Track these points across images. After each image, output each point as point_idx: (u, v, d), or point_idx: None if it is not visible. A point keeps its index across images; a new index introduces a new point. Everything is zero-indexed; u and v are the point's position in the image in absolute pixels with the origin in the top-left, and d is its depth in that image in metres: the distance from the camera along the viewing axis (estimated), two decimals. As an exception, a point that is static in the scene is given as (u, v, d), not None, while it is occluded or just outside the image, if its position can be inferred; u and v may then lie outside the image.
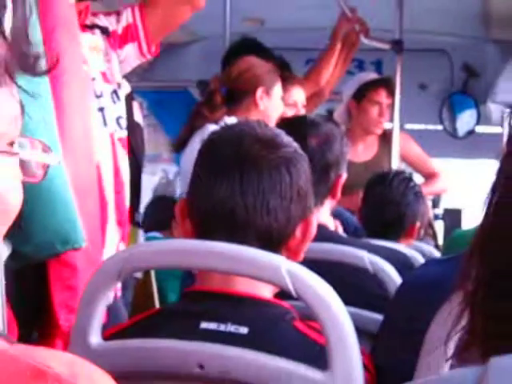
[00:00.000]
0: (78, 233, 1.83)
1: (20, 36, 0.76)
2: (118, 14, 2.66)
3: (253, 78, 3.35)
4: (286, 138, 1.63)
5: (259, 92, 3.31)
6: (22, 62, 0.76)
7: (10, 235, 1.75)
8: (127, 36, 2.64)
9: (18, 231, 1.75)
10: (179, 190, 3.58)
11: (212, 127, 3.21)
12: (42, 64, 0.80)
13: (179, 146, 3.55)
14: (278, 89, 3.38)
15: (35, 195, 1.74)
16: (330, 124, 2.51)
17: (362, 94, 4.55)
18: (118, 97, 2.54)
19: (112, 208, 2.46)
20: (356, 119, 4.58)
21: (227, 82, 3.44)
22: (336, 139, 2.42)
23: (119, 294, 2.68)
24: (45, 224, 1.79)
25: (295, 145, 1.64)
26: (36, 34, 1.62)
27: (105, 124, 2.53)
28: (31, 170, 0.81)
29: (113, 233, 2.46)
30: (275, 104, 3.34)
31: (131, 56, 2.69)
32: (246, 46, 4.12)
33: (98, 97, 2.50)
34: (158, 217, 4.12)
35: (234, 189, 1.55)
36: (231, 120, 3.17)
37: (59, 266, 1.87)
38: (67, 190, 1.81)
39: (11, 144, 0.76)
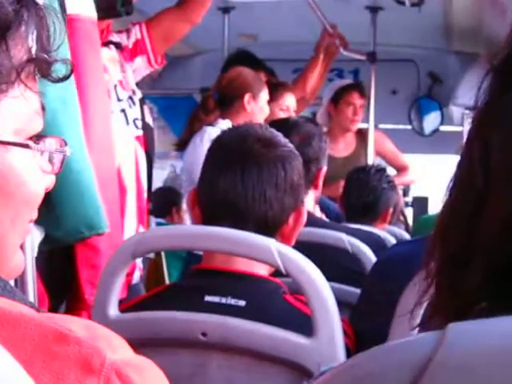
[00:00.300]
0: (101, 220, 1.83)
1: (40, 45, 0.76)
2: (128, 31, 2.67)
3: (241, 84, 3.34)
4: (284, 139, 1.64)
5: (247, 97, 3.30)
6: (40, 68, 0.76)
7: (43, 222, 1.78)
8: (137, 50, 2.65)
9: (51, 218, 1.77)
10: (184, 182, 3.56)
11: (209, 129, 3.23)
12: (59, 71, 0.79)
13: (181, 146, 3.56)
14: (264, 94, 3.37)
15: (66, 187, 1.75)
16: (309, 124, 2.52)
17: (339, 97, 4.58)
18: (133, 102, 2.54)
19: (132, 196, 2.45)
20: (335, 119, 4.60)
21: (220, 89, 3.44)
22: (315, 137, 2.42)
23: (141, 274, 2.69)
24: (74, 212, 1.79)
25: (291, 145, 1.65)
26: (62, 46, 1.62)
27: (127, 123, 2.53)
28: (52, 161, 0.81)
29: (132, 218, 2.45)
30: (261, 107, 3.34)
31: (141, 67, 2.69)
32: (242, 57, 4.11)
33: (119, 100, 2.50)
34: (159, 205, 4.11)
35: (236, 181, 1.56)
36: (225, 122, 3.18)
37: (85, 248, 1.87)
38: (93, 182, 1.82)
39: (30, 138, 0.76)
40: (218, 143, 1.66)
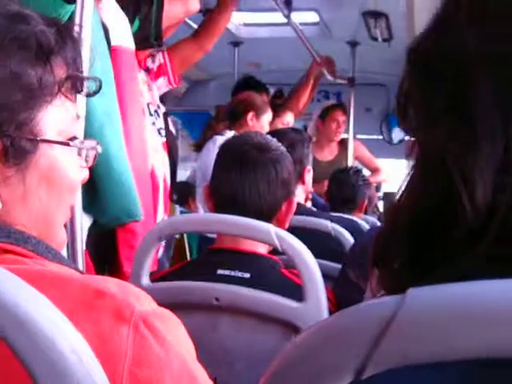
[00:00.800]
0: (137, 209, 1.83)
1: (75, 66, 0.76)
2: (153, 56, 2.67)
3: (246, 105, 3.33)
4: (276, 145, 1.63)
5: (250, 115, 3.29)
6: (75, 83, 0.76)
7: (92, 211, 1.78)
8: (160, 72, 2.65)
9: (98, 208, 1.77)
10: (198, 179, 3.58)
11: (219, 137, 3.23)
12: (91, 87, 0.80)
13: (197, 148, 3.56)
14: (266, 116, 3.37)
15: (110, 184, 1.75)
16: (294, 133, 2.49)
17: (325, 114, 4.57)
18: (158, 114, 2.53)
19: (161, 191, 2.45)
20: (322, 132, 4.59)
21: (231, 106, 3.44)
22: (298, 143, 2.41)
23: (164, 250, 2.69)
24: (115, 204, 1.79)
25: (282, 149, 1.64)
26: (100, 66, 1.61)
27: (159, 133, 2.53)
28: (87, 159, 0.81)
29: (161, 208, 2.45)
30: (262, 126, 3.31)
31: (163, 85, 2.69)
32: (248, 82, 4.12)
33: (151, 115, 2.50)
34: (180, 196, 4.14)
35: (236, 179, 1.56)
36: (231, 132, 3.18)
37: (124, 231, 1.87)
38: (131, 180, 1.82)
39: (70, 139, 0.76)
40: (223, 149, 1.66)
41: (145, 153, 2.07)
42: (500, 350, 0.36)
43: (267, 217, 1.53)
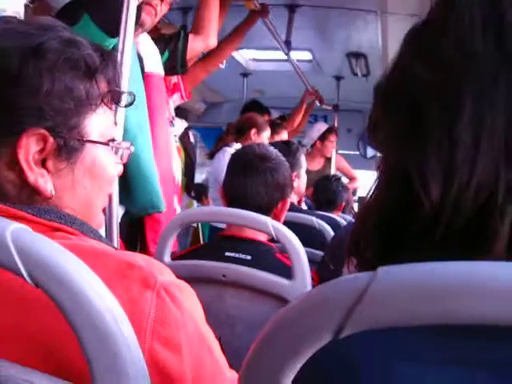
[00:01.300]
0: (161, 202, 1.83)
1: (114, 82, 0.76)
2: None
3: (250, 123, 3.32)
4: (275, 155, 1.62)
5: (253, 131, 3.26)
6: (114, 96, 0.76)
7: (124, 202, 1.77)
8: (175, 89, 2.64)
9: (129, 200, 1.77)
10: (210, 182, 3.58)
11: (228, 148, 3.22)
12: (127, 100, 0.80)
13: (210, 156, 3.56)
14: (266, 133, 3.34)
15: (139, 181, 1.75)
16: (282, 145, 2.43)
17: (324, 136, 4.53)
18: (173, 124, 2.52)
19: (178, 189, 2.45)
20: (319, 149, 4.55)
21: (238, 123, 3.43)
22: (285, 154, 2.39)
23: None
24: (144, 197, 1.79)
25: (281, 159, 1.63)
26: (134, 83, 1.61)
27: (175, 140, 2.53)
28: (122, 157, 0.81)
29: (176, 200, 2.45)
30: (262, 140, 3.27)
31: (177, 100, 2.68)
32: (253, 105, 4.11)
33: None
34: (196, 194, 4.14)
35: (241, 183, 1.56)
36: (237, 144, 3.16)
37: (151, 219, 1.86)
38: (156, 179, 1.81)
39: (109, 140, 0.76)
40: (233, 158, 1.66)
41: (169, 157, 2.07)
42: (451, 318, 0.36)
43: (265, 212, 1.52)
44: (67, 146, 0.70)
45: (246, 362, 0.43)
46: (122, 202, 1.74)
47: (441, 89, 0.46)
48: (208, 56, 2.84)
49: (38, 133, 0.68)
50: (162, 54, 2.10)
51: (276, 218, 1.57)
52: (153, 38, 1.99)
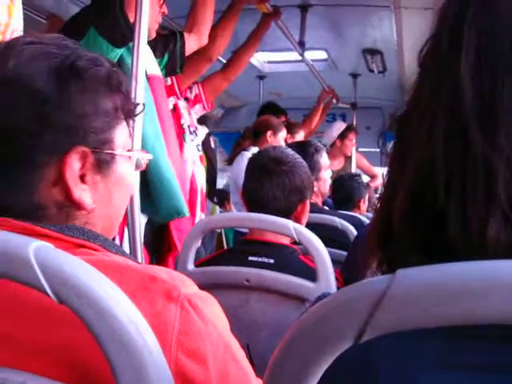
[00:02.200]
0: (184, 207, 1.83)
1: (129, 96, 0.78)
2: (190, 88, 2.68)
3: (266, 125, 3.32)
4: (291, 157, 1.61)
5: (268, 133, 3.26)
6: (129, 111, 0.78)
7: (147, 211, 1.78)
8: (196, 100, 2.66)
9: (152, 209, 1.78)
10: (231, 187, 3.59)
11: (245, 152, 3.23)
12: (138, 111, 0.81)
13: (229, 162, 3.56)
14: (282, 134, 3.33)
15: (161, 190, 1.76)
16: (297, 147, 2.43)
17: (344, 135, 4.54)
18: (196, 134, 2.53)
19: (199, 194, 2.45)
20: (339, 148, 4.55)
21: (254, 127, 3.43)
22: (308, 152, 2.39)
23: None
24: (168, 202, 1.79)
25: (298, 161, 1.61)
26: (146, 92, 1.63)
27: (198, 150, 2.54)
28: (139, 165, 0.83)
29: (199, 207, 2.46)
30: (278, 141, 3.27)
31: (199, 110, 2.70)
32: (270, 107, 4.11)
33: (190, 134, 2.50)
34: (219, 200, 4.16)
35: (258, 187, 1.57)
36: (255, 148, 3.16)
37: (176, 221, 1.88)
38: (177, 184, 1.82)
39: (129, 151, 0.78)
40: (250, 162, 1.66)
41: (178, 158, 2.06)
42: (471, 318, 0.36)
43: (284, 215, 1.52)
44: (102, 160, 0.73)
45: (269, 367, 0.43)
46: (143, 211, 1.75)
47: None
48: (227, 66, 2.85)
49: (80, 150, 0.70)
50: (161, 56, 2.12)
51: (297, 220, 1.57)
52: (149, 42, 2.01)
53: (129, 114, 0.77)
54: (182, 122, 2.44)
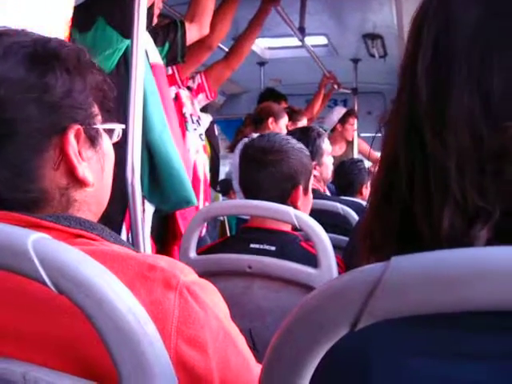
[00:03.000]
0: (193, 196, 1.83)
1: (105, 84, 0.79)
2: (193, 77, 2.67)
3: (266, 112, 3.29)
4: (277, 146, 1.58)
5: (270, 120, 3.24)
6: (101, 84, 0.79)
7: (155, 201, 1.78)
8: (199, 90, 2.65)
9: (161, 198, 1.78)
10: (233, 174, 3.59)
11: (246, 140, 3.20)
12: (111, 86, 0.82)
13: (231, 149, 3.54)
14: (283, 121, 3.30)
15: (170, 179, 1.75)
16: (300, 133, 2.41)
17: (344, 120, 4.52)
18: (199, 123, 2.53)
19: (202, 182, 2.45)
20: (340, 133, 4.54)
21: (255, 113, 3.41)
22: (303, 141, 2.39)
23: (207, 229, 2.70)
24: (177, 192, 1.79)
25: (286, 147, 1.59)
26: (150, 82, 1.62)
27: (201, 139, 2.53)
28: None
29: (202, 196, 2.46)
30: (280, 128, 3.25)
31: (202, 100, 2.69)
32: (270, 93, 4.10)
33: (193, 123, 2.49)
34: (223, 188, 4.16)
35: (248, 178, 1.58)
36: (256, 135, 3.14)
37: (181, 210, 1.89)
38: (185, 173, 1.82)
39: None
40: (240, 153, 1.66)
41: (182, 146, 2.05)
42: (465, 305, 0.36)
43: (278, 202, 1.52)
44: (91, 136, 0.74)
45: (268, 353, 0.43)
46: (151, 200, 1.75)
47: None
48: (230, 54, 2.84)
49: (76, 128, 0.72)
50: (162, 45, 2.12)
51: (293, 205, 1.56)
52: (151, 30, 2.00)
53: (102, 88, 0.78)
54: (184, 110, 2.44)
